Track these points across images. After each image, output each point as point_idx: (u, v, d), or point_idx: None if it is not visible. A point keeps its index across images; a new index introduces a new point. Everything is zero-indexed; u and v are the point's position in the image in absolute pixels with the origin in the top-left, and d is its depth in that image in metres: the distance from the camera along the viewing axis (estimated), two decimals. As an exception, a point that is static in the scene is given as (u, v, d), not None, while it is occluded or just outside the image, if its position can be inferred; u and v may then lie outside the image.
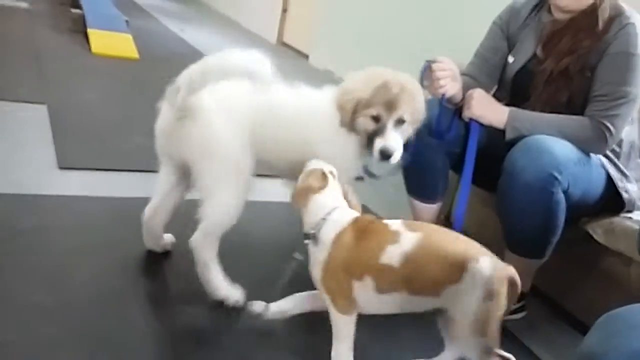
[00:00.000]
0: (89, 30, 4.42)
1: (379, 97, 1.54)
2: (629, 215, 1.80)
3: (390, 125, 1.56)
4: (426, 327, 1.51)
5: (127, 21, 5.03)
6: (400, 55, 3.87)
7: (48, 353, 1.37)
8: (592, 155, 1.74)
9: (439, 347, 1.48)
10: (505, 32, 1.97)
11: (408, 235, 1.32)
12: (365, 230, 1.36)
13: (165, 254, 1.88)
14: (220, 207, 1.60)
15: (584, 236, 1.80)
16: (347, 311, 1.38)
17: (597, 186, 1.75)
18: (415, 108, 1.59)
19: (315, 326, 1.51)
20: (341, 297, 1.37)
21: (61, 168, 2.33)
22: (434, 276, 1.28)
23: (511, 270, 1.28)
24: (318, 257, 1.39)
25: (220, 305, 1.66)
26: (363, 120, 1.58)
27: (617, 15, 1.74)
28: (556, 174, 1.61)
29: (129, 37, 4.61)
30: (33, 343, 1.38)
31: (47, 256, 1.75)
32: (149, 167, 2.48)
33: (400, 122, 1.57)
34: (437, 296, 1.30)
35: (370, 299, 1.35)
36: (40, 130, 2.65)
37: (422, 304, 1.35)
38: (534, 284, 1.88)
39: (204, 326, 1.59)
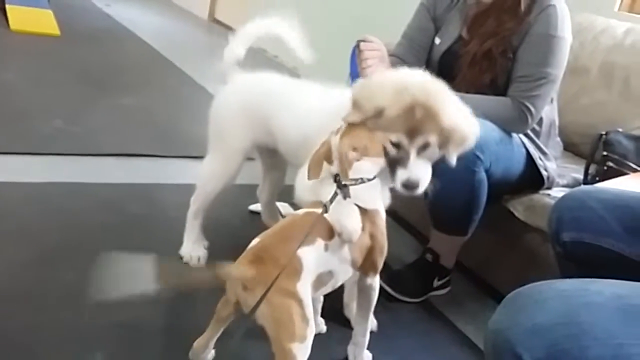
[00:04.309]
0: (7, 6, 4.20)
1: (401, 121, 1.31)
2: (548, 192, 1.87)
3: (413, 153, 1.33)
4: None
5: (48, -5, 4.79)
6: (335, 34, 3.85)
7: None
8: (513, 134, 1.79)
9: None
10: (432, 14, 1.99)
11: None
12: None
13: (85, 245, 1.82)
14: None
15: (505, 213, 1.85)
16: None
17: (518, 164, 1.80)
18: (443, 128, 1.33)
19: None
20: None
21: (-26, 152, 2.21)
22: None
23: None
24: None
25: (144, 299, 1.60)
26: (383, 140, 1.35)
27: (538, -3, 1.78)
28: (478, 154, 1.64)
29: (50, 12, 4.40)
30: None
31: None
32: (69, 151, 2.41)
33: (424, 147, 1.34)
34: None
35: None
36: (-48, 111, 2.50)
37: None
38: (458, 260, 1.93)
39: (127, 319, 1.52)
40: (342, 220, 1.26)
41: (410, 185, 1.33)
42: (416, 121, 1.31)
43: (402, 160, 1.33)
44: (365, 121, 1.34)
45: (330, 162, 1.32)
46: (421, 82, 1.37)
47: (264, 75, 1.75)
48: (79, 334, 1.43)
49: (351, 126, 1.32)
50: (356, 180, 1.29)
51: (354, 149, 1.29)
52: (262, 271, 1.14)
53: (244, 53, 1.77)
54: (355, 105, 1.37)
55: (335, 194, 1.27)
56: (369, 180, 1.31)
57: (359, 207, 1.30)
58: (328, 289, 1.35)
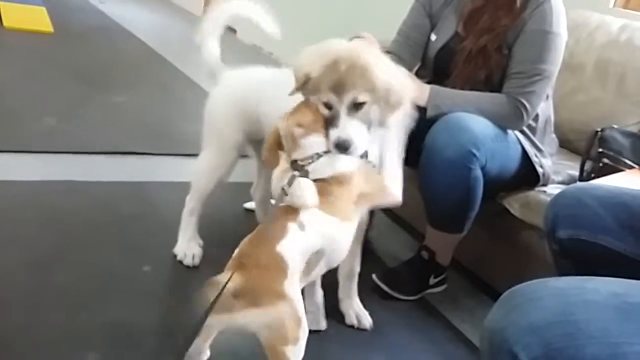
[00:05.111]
0: (1, 3, 4.18)
1: (326, 78, 1.32)
2: (544, 189, 1.86)
3: (343, 111, 1.32)
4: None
5: (41, -7, 4.76)
6: (328, 32, 3.85)
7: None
8: (508, 131, 1.78)
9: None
10: (428, 10, 1.97)
11: None
12: None
13: (77, 244, 1.80)
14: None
15: (501, 210, 1.84)
16: None
17: (514, 161, 1.79)
18: (374, 85, 1.32)
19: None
20: None
21: (-35, 150, 2.19)
22: None
23: None
24: None
25: (137, 299, 1.60)
26: (318, 105, 1.37)
27: (534, -7, 1.77)
28: (474, 151, 1.64)
29: (43, 9, 4.38)
30: None
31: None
32: (61, 149, 2.39)
33: (356, 106, 1.33)
34: None
35: None
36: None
37: None
38: (454, 257, 1.92)
39: (120, 319, 1.51)
40: (291, 191, 1.26)
41: (341, 144, 1.31)
42: (340, 75, 1.31)
43: (334, 119, 1.33)
44: (301, 92, 1.37)
45: (282, 148, 1.33)
46: (348, 44, 1.39)
47: (252, 70, 1.78)
48: (71, 335, 1.42)
49: (298, 106, 1.34)
50: (311, 157, 1.30)
51: (299, 125, 1.29)
52: (246, 276, 1.12)
53: (218, 44, 1.82)
54: (294, 78, 1.40)
55: (293, 176, 1.27)
56: (323, 154, 1.31)
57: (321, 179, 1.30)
58: (322, 269, 1.32)
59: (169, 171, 2.43)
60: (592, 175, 1.84)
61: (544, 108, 1.87)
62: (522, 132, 1.83)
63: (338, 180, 1.31)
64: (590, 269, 1.00)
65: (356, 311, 1.69)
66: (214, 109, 1.78)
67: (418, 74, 1.96)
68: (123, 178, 2.28)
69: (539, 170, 1.83)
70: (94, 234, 1.85)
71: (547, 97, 1.87)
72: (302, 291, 1.26)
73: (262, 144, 1.76)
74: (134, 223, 1.96)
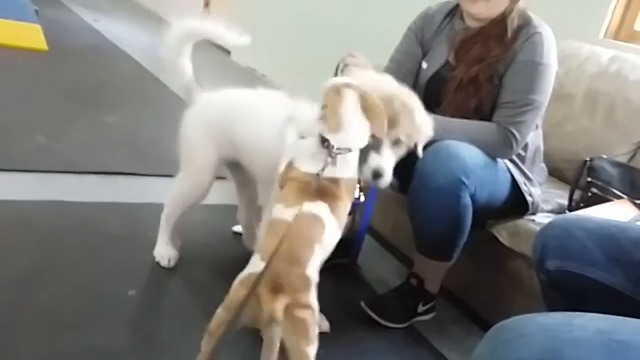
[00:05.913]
0: (-6, 19, 4.17)
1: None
2: (533, 217, 1.86)
3: (386, 144, 1.45)
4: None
5: (36, 10, 4.76)
6: (320, 55, 3.88)
7: None
8: (498, 159, 1.79)
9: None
10: (420, 38, 1.99)
11: None
12: None
13: (65, 266, 1.78)
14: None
15: (490, 238, 1.84)
16: None
17: (503, 190, 1.80)
18: (412, 128, 1.49)
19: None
20: None
21: (-47, 168, 2.17)
22: None
23: None
24: None
25: (120, 322, 1.58)
26: None
27: (525, 24, 1.79)
28: (464, 179, 1.64)
29: (38, 27, 4.37)
30: None
31: None
32: (51, 168, 2.38)
33: (396, 142, 1.48)
34: None
35: None
36: None
37: None
38: (443, 285, 1.91)
39: (103, 342, 1.48)
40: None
41: (379, 172, 1.44)
42: (393, 112, 1.43)
43: (376, 146, 1.44)
44: None
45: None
46: (394, 83, 1.55)
47: (225, 91, 1.81)
48: (53, 357, 1.40)
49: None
50: (347, 149, 1.36)
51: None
52: (283, 298, 1.19)
53: (190, 63, 1.84)
54: None
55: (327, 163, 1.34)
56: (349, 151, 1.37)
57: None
58: None
59: (158, 192, 2.38)
60: (581, 204, 1.85)
61: (534, 137, 1.88)
62: (512, 160, 1.84)
63: (347, 185, 1.39)
64: (578, 300, 0.99)
65: None
66: (188, 131, 1.80)
67: (409, 101, 1.97)
68: (112, 199, 2.26)
69: (528, 199, 1.83)
70: (80, 256, 1.83)
71: (537, 126, 1.89)
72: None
73: (238, 167, 1.79)
74: (121, 244, 1.94)
